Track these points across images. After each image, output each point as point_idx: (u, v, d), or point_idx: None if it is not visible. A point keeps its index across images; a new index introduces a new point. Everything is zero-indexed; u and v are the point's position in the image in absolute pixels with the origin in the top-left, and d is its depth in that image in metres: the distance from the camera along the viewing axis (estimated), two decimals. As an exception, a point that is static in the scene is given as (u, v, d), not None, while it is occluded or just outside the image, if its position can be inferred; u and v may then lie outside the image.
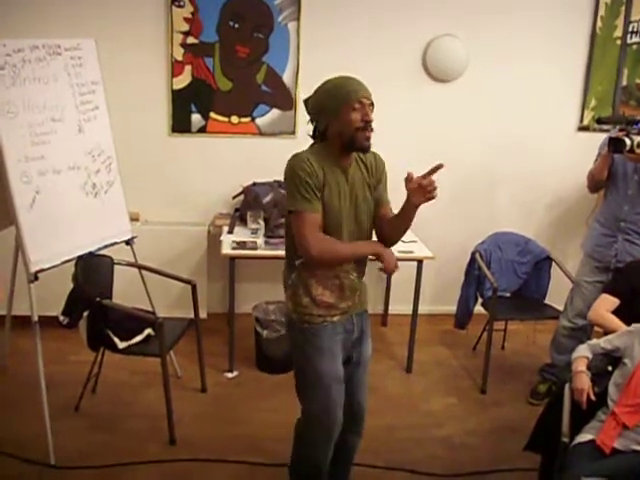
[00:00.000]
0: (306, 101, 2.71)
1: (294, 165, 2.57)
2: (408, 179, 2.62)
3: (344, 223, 2.66)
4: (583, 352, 3.17)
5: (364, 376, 3.00)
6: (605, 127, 4.14)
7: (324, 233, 2.62)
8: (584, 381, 3.00)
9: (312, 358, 2.75)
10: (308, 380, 2.80)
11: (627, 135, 3.68)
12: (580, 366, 3.08)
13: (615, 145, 3.70)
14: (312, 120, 2.70)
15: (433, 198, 2.61)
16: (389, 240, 2.82)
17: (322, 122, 2.64)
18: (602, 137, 4.02)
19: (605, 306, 3.59)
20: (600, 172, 3.97)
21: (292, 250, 2.71)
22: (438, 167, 2.61)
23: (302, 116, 4.99)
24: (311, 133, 2.72)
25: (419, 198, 2.60)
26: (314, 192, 2.56)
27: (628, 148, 3.66)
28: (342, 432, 2.91)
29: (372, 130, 2.63)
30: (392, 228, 2.80)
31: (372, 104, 2.66)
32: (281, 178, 4.97)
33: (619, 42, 5.11)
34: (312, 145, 2.71)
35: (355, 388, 2.94)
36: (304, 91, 4.94)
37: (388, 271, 2.75)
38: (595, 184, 4.08)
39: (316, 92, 2.67)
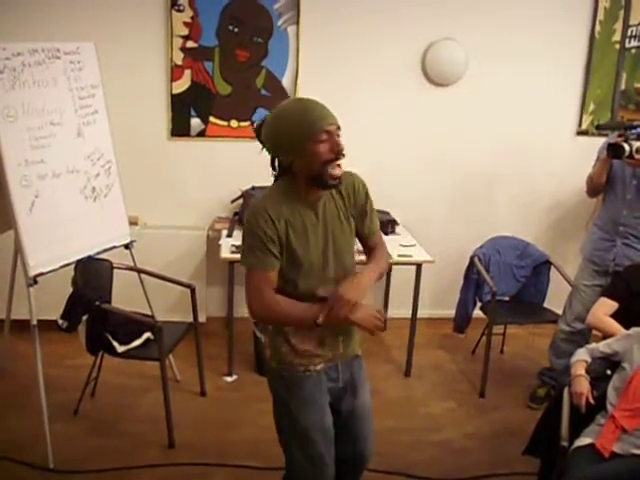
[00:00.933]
0: (258, 131, 2.39)
1: (249, 218, 2.32)
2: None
3: (317, 264, 2.40)
4: (582, 356, 3.17)
5: (364, 427, 2.70)
6: (604, 132, 4.15)
7: (295, 281, 2.39)
8: (583, 385, 3.01)
9: (295, 411, 2.50)
10: (291, 434, 2.55)
11: (626, 141, 3.69)
12: (579, 370, 3.08)
13: (614, 151, 3.71)
14: (270, 153, 2.39)
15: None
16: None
17: (284, 158, 2.33)
18: (601, 141, 4.03)
19: (604, 310, 3.59)
20: (599, 177, 3.97)
21: None
22: None
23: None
24: (271, 167, 2.44)
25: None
26: (267, 248, 2.31)
27: (627, 154, 3.66)
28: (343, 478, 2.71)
29: (343, 157, 2.30)
30: None
31: (339, 127, 2.32)
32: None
33: (618, 46, 5.12)
34: (275, 180, 2.44)
35: (354, 440, 2.68)
36: (303, 95, 4.92)
37: (373, 333, 2.44)
38: (594, 188, 4.08)
39: (270, 126, 2.32)
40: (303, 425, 2.50)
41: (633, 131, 3.73)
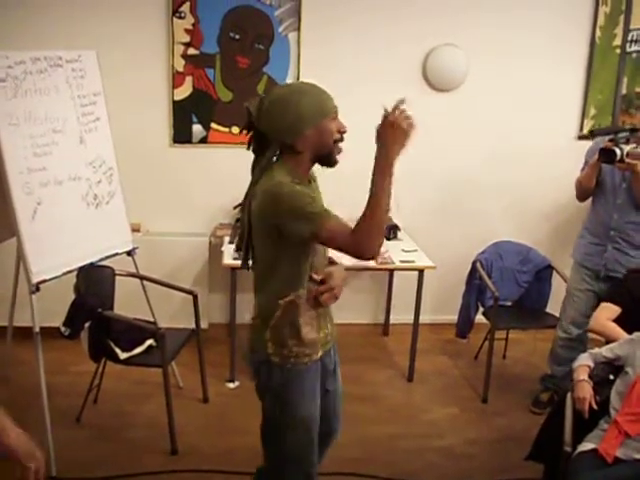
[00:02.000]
0: (257, 113, 2.41)
1: (284, 189, 2.28)
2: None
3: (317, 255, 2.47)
4: (585, 361, 3.17)
5: (340, 404, 2.82)
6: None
7: (307, 256, 2.41)
8: (586, 390, 3.00)
9: (292, 402, 2.51)
10: (290, 425, 2.54)
11: (616, 145, 3.69)
12: (582, 375, 3.07)
13: (606, 156, 3.70)
14: (278, 132, 2.38)
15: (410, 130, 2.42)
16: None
17: (292, 134, 2.35)
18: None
19: (606, 315, 3.59)
20: (588, 181, 3.97)
21: (276, 287, 2.43)
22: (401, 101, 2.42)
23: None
24: (254, 149, 2.50)
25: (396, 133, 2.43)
26: (316, 202, 2.30)
27: (618, 158, 3.66)
28: None
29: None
30: None
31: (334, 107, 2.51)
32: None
33: (618, 51, 5.12)
34: (276, 163, 2.43)
35: (332, 417, 2.76)
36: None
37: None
38: (583, 192, 4.08)
39: (281, 105, 2.36)
40: (303, 415, 2.52)
41: (621, 135, 3.73)
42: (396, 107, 2.39)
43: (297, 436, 2.55)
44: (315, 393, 2.56)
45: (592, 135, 3.91)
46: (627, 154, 3.66)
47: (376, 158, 2.37)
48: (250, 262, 2.53)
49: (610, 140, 3.74)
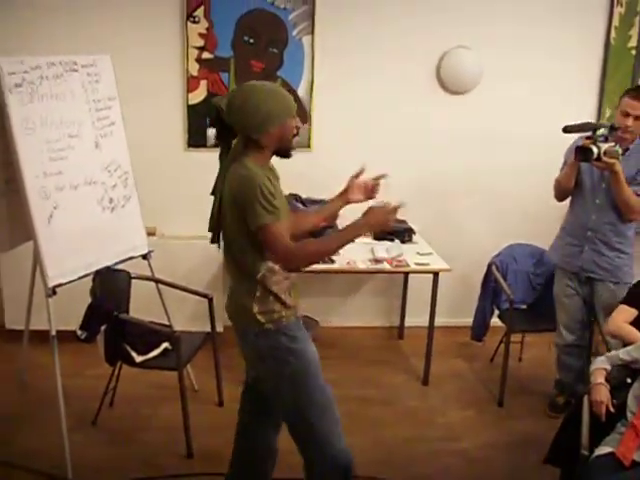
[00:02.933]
0: (228, 108, 2.61)
1: (251, 180, 2.55)
2: (355, 175, 2.92)
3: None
4: (601, 364, 3.15)
5: None
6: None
7: None
8: (603, 393, 2.98)
9: (301, 349, 2.74)
10: (305, 374, 2.75)
11: (594, 143, 3.62)
12: (599, 378, 3.06)
13: (582, 154, 3.63)
14: (245, 127, 2.62)
15: (372, 198, 2.89)
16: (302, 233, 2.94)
17: (260, 131, 2.60)
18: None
19: (623, 317, 3.57)
20: (567, 181, 3.92)
21: (251, 265, 2.68)
22: (382, 176, 2.89)
23: (317, 129, 5.02)
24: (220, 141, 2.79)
25: (357, 196, 2.93)
26: (274, 203, 2.56)
27: (595, 156, 3.59)
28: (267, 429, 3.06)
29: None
30: (310, 222, 3.05)
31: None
32: (297, 192, 5.04)
33: (634, 52, 5.09)
34: (242, 155, 2.66)
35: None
36: (319, 104, 4.97)
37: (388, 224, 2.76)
38: (562, 192, 4.02)
39: (251, 103, 2.57)
40: (314, 359, 2.76)
41: (599, 132, 3.66)
42: (395, 207, 2.69)
43: (318, 383, 2.75)
44: (311, 341, 2.81)
45: (565, 131, 3.79)
46: (604, 152, 3.59)
47: (352, 224, 2.70)
48: (221, 243, 2.82)
49: (588, 138, 3.67)
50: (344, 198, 2.97)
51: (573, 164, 3.82)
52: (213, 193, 2.83)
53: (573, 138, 3.90)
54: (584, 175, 3.91)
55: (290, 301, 2.75)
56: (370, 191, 2.91)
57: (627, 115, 3.72)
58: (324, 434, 2.75)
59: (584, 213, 3.94)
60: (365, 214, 2.69)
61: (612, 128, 3.72)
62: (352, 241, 2.68)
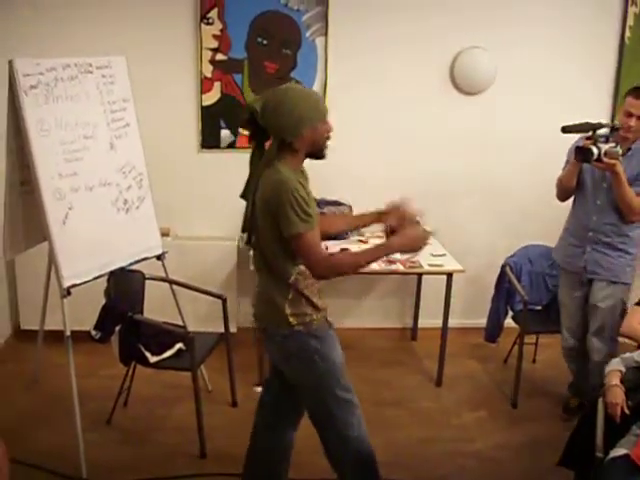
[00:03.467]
0: (262, 112, 2.63)
1: (285, 186, 2.57)
2: (397, 204, 2.91)
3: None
4: (616, 365, 3.13)
5: None
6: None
7: None
8: (617, 395, 2.97)
9: (330, 351, 2.80)
10: (333, 376, 2.82)
11: (594, 143, 3.57)
12: (613, 380, 3.04)
13: (582, 155, 3.59)
14: (279, 131, 2.63)
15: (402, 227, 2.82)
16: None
17: (293, 132, 2.62)
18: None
19: (637, 319, 3.55)
20: (569, 180, 3.88)
21: (283, 269, 2.72)
22: (420, 213, 2.91)
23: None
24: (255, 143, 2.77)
25: (392, 221, 2.87)
26: (308, 210, 2.59)
27: (595, 157, 3.54)
28: (286, 428, 3.12)
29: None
30: (337, 228, 3.19)
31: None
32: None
33: (649, 52, 5.07)
34: (277, 158, 2.66)
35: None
36: (332, 106, 4.94)
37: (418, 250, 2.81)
38: (564, 192, 3.99)
39: (282, 101, 2.60)
40: (340, 362, 2.83)
41: (600, 132, 3.60)
42: (429, 233, 2.81)
43: (344, 383, 2.84)
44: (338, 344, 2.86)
45: (564, 132, 3.74)
46: (605, 153, 3.54)
47: (386, 243, 2.76)
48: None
49: (588, 138, 3.62)
50: (379, 218, 2.96)
51: (575, 164, 3.78)
52: (243, 196, 2.88)
53: (574, 138, 3.86)
54: (586, 175, 3.87)
55: (320, 304, 2.80)
56: (404, 221, 2.86)
57: (630, 115, 3.67)
58: (343, 426, 2.88)
59: (585, 214, 3.90)
60: (401, 236, 2.73)
61: (613, 128, 3.66)
62: (382, 258, 2.83)
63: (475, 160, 5.14)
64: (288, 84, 2.74)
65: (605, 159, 3.54)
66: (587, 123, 3.67)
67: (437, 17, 4.91)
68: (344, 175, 4.94)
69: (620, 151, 3.57)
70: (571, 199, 4.05)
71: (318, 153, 2.73)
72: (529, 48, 5.00)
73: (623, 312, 3.90)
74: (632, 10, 4.99)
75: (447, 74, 5.03)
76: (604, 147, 3.55)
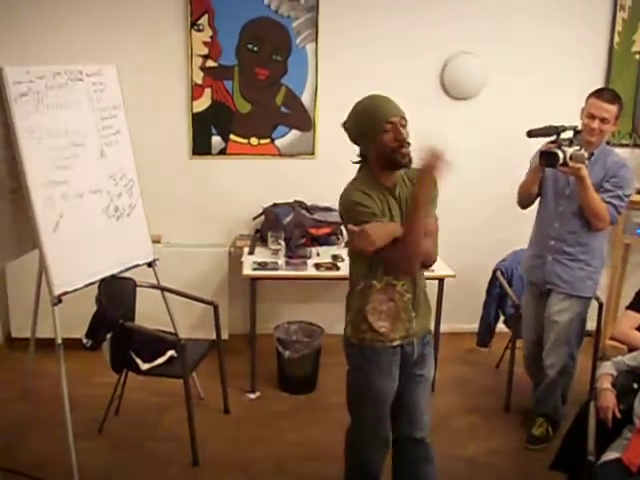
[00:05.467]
0: (344, 126, 2.76)
1: (349, 198, 2.65)
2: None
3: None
4: (608, 369, 3.14)
5: (425, 394, 3.04)
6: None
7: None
8: (609, 399, 2.98)
9: (370, 375, 2.82)
10: (363, 395, 2.88)
11: (559, 147, 3.48)
12: (605, 383, 3.05)
13: (547, 159, 3.50)
14: (355, 144, 2.77)
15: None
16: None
17: (362, 146, 2.73)
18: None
19: (629, 323, 3.57)
20: (530, 187, 3.77)
21: (355, 276, 2.82)
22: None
23: (321, 136, 5.02)
24: (356, 158, 2.81)
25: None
26: (377, 210, 2.63)
27: (561, 161, 3.45)
28: (406, 450, 3.07)
29: (409, 145, 2.68)
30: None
31: (403, 118, 2.72)
32: (301, 198, 5.04)
33: (638, 57, 5.10)
34: (359, 171, 2.79)
35: (416, 404, 3.00)
36: (323, 112, 4.98)
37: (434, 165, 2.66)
38: (524, 199, 3.87)
39: (349, 117, 2.72)
40: (376, 388, 2.83)
41: (563, 136, 3.51)
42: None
43: (372, 406, 2.88)
44: (391, 373, 2.83)
45: (529, 136, 3.61)
46: (570, 157, 3.44)
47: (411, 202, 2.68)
48: None
49: (552, 142, 3.53)
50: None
51: (537, 170, 3.68)
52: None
53: (539, 143, 3.76)
54: (547, 181, 3.77)
55: (381, 327, 2.77)
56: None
57: (593, 117, 3.59)
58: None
59: (547, 221, 3.79)
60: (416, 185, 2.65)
61: (576, 131, 3.57)
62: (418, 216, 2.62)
63: (466, 165, 5.13)
64: (367, 96, 2.79)
65: (571, 163, 3.44)
66: (551, 126, 3.54)
67: (428, 23, 4.92)
68: (334, 180, 4.92)
69: (586, 154, 3.48)
70: (533, 206, 3.94)
71: (391, 163, 2.68)
72: (518, 54, 5.02)
73: (581, 328, 3.82)
74: (620, 16, 5.02)
75: (438, 80, 5.04)
76: (569, 151, 3.46)
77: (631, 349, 3.42)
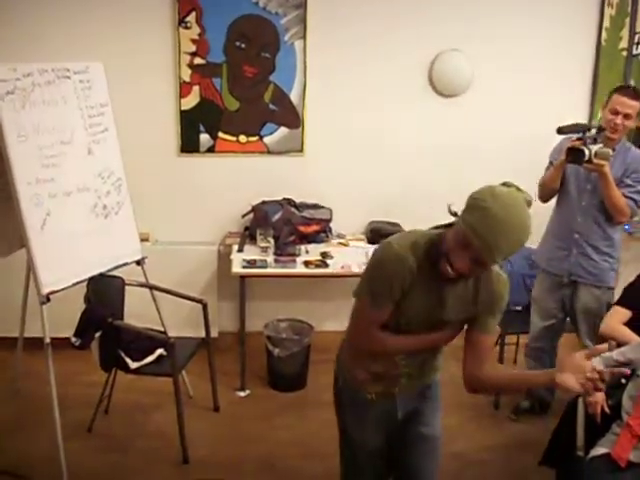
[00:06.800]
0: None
1: (385, 256, 2.27)
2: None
3: (409, 328, 2.37)
4: (596, 365, 3.14)
5: (425, 460, 2.70)
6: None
7: (387, 328, 2.36)
8: (598, 394, 2.98)
9: (345, 421, 2.64)
10: (341, 440, 2.70)
11: (584, 144, 3.56)
12: (593, 379, 3.06)
13: (573, 156, 3.58)
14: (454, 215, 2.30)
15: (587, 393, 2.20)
16: (472, 383, 2.63)
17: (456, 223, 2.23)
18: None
19: (617, 318, 3.57)
20: (553, 181, 3.87)
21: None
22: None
23: (310, 134, 5.02)
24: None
25: (569, 380, 2.13)
26: (390, 292, 2.26)
27: (586, 158, 3.54)
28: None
29: (460, 274, 2.20)
30: (495, 379, 2.62)
31: (494, 261, 2.19)
32: (290, 196, 5.04)
33: (625, 53, 5.11)
34: (435, 228, 2.43)
35: (417, 466, 2.69)
36: (311, 109, 4.97)
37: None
38: (547, 193, 3.96)
39: (473, 203, 2.19)
40: (353, 437, 2.62)
41: (588, 134, 3.59)
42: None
43: (348, 453, 2.68)
44: (364, 424, 2.57)
45: (559, 132, 3.72)
46: (595, 154, 3.54)
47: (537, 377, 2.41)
48: None
49: (579, 139, 3.62)
50: (552, 379, 2.21)
51: (560, 165, 3.77)
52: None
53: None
54: (569, 176, 3.87)
55: (358, 376, 2.52)
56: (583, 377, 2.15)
57: (617, 113, 3.67)
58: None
59: (570, 215, 3.90)
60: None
61: (600, 129, 3.67)
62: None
63: (454, 161, 5.15)
64: (511, 206, 2.16)
65: (595, 160, 3.54)
66: (579, 124, 3.68)
67: (416, 20, 4.92)
68: (322, 178, 4.95)
69: (611, 152, 3.57)
70: (553, 200, 4.04)
71: (434, 259, 2.24)
72: (506, 51, 5.01)
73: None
74: (608, 12, 5.03)
75: (426, 77, 5.04)
76: (594, 148, 3.55)
77: (619, 344, 3.42)
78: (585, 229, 3.86)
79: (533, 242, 4.49)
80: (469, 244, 2.11)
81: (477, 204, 2.14)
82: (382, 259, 2.29)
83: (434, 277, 2.26)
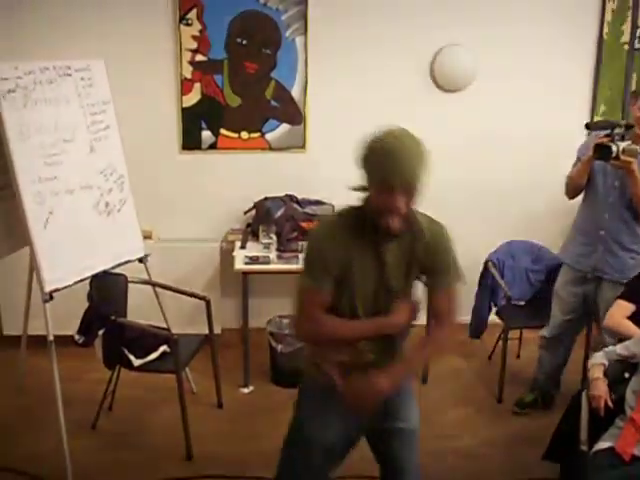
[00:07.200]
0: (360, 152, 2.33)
1: (312, 238, 2.40)
2: None
3: (360, 304, 2.37)
4: (599, 359, 3.15)
5: (404, 451, 2.68)
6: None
7: (336, 309, 2.36)
8: (601, 388, 2.99)
9: (305, 417, 2.56)
10: (291, 439, 2.60)
11: (612, 141, 3.55)
12: (597, 373, 3.06)
13: (601, 152, 3.56)
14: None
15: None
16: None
17: (362, 178, 2.29)
18: None
19: (621, 312, 3.57)
20: (580, 177, 3.85)
21: None
22: None
23: (311, 130, 5.02)
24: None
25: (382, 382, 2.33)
26: (325, 266, 2.29)
27: (614, 155, 3.52)
28: None
29: (399, 215, 2.24)
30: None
31: (409, 187, 2.22)
32: (292, 192, 5.03)
33: (626, 47, 5.10)
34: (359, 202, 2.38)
35: (398, 464, 2.69)
36: (313, 105, 4.97)
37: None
38: (574, 190, 3.95)
39: (364, 146, 2.28)
40: (310, 434, 2.51)
41: (616, 131, 3.58)
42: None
43: (296, 453, 2.58)
44: (322, 419, 2.50)
45: (587, 128, 3.73)
46: (623, 151, 3.51)
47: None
48: None
49: (606, 136, 3.60)
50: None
51: (588, 161, 3.74)
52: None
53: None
54: (596, 173, 3.83)
55: (326, 369, 2.44)
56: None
57: None
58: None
59: (597, 212, 3.87)
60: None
61: (628, 126, 3.64)
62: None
63: (457, 157, 5.15)
64: (396, 135, 2.32)
65: (623, 157, 3.52)
66: (607, 120, 3.66)
67: (417, 15, 4.91)
68: (324, 174, 4.95)
69: (639, 149, 3.55)
70: (580, 197, 4.02)
71: (374, 223, 2.28)
72: (508, 45, 5.01)
73: None
74: (610, 6, 5.02)
75: (427, 72, 5.03)
76: (622, 145, 3.53)
77: (622, 338, 3.43)
78: (611, 226, 3.82)
79: (540, 239, 4.51)
80: (386, 181, 2.18)
81: (369, 147, 2.26)
82: (311, 238, 2.43)
83: (368, 242, 2.32)
